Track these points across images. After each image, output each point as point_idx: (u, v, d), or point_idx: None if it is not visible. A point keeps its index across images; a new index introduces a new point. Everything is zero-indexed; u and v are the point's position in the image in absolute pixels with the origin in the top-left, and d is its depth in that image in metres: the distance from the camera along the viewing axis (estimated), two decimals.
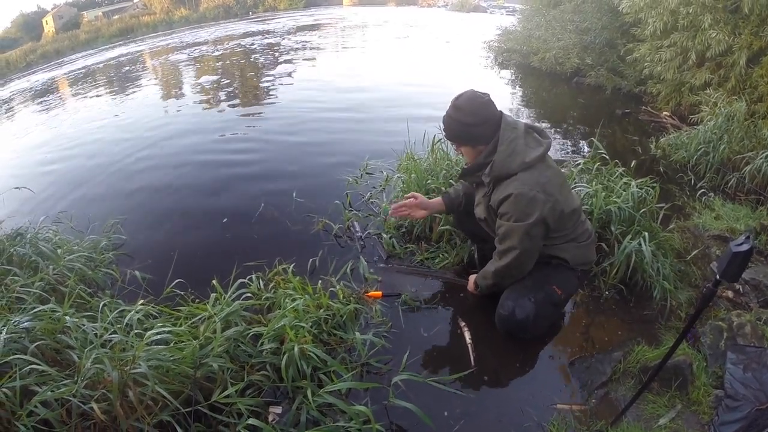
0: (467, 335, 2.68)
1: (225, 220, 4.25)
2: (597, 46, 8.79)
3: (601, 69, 8.49)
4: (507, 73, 10.76)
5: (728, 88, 5.56)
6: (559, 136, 6.36)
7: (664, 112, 6.71)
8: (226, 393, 2.02)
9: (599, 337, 2.72)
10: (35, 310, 2.33)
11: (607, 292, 3.00)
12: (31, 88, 16.08)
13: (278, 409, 2.20)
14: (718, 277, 1.52)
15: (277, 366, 2.23)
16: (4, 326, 2.14)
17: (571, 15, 9.66)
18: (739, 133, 4.74)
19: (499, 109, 2.44)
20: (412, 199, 2.93)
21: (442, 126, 2.52)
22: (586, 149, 5.65)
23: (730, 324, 2.56)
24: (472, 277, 2.85)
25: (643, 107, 7.18)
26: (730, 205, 4.02)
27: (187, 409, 1.97)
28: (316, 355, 2.23)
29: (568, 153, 5.72)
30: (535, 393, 2.40)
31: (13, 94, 15.43)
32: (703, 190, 4.34)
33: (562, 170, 3.76)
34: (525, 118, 7.39)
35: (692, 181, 4.65)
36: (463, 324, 2.77)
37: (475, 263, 3.25)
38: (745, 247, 1.45)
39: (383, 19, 25.64)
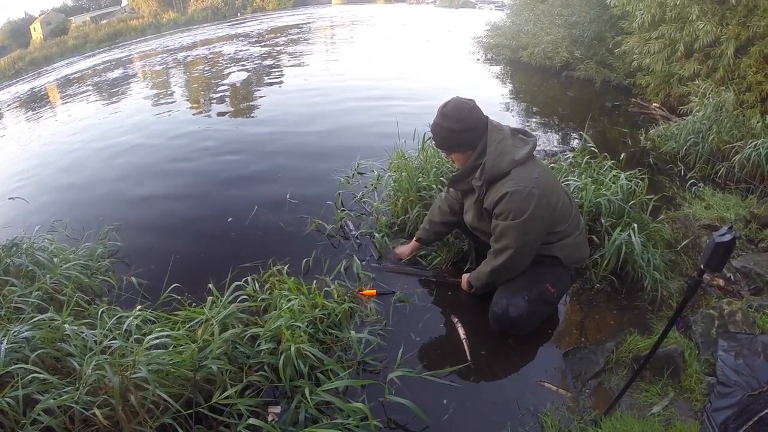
0: (461, 331, 2.71)
1: (230, 219, 4.28)
2: (586, 39, 8.81)
3: (590, 62, 8.51)
4: (497, 69, 10.76)
5: (717, 78, 5.57)
6: (549, 130, 6.40)
7: (654, 104, 6.74)
8: (225, 394, 2.05)
9: (592, 328, 2.76)
10: (34, 320, 2.35)
11: (598, 284, 3.03)
12: (19, 97, 15.99)
13: (277, 409, 2.23)
14: (702, 266, 1.56)
15: (275, 366, 2.25)
16: (4, 336, 2.16)
17: (560, 9, 9.66)
18: (728, 123, 4.77)
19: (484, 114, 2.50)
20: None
21: (431, 134, 2.59)
22: (576, 142, 5.68)
23: (721, 312, 2.60)
24: (465, 276, 2.91)
25: (633, 99, 7.20)
26: (720, 194, 4.05)
27: (187, 411, 2.00)
28: (312, 354, 2.26)
29: (558, 146, 5.74)
30: (529, 384, 2.44)
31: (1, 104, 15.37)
32: (693, 180, 4.36)
33: (552, 165, 3.83)
34: (515, 113, 7.43)
35: (682, 172, 4.68)
36: (456, 320, 2.81)
37: (466, 259, 3.30)
38: (727, 238, 1.49)
39: (372, 17, 25.61)
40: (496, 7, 22.70)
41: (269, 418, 2.17)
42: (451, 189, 2.94)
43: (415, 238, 3.26)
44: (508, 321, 2.50)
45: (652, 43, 6.49)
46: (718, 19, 5.59)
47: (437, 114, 2.51)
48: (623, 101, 7.31)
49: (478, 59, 11.77)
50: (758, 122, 4.58)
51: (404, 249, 3.37)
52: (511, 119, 6.88)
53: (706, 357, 2.43)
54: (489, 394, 2.40)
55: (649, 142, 5.46)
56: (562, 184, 2.91)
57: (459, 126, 2.42)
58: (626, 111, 6.94)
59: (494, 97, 8.16)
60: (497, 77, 10.17)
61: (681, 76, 6.17)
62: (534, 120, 6.96)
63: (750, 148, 4.24)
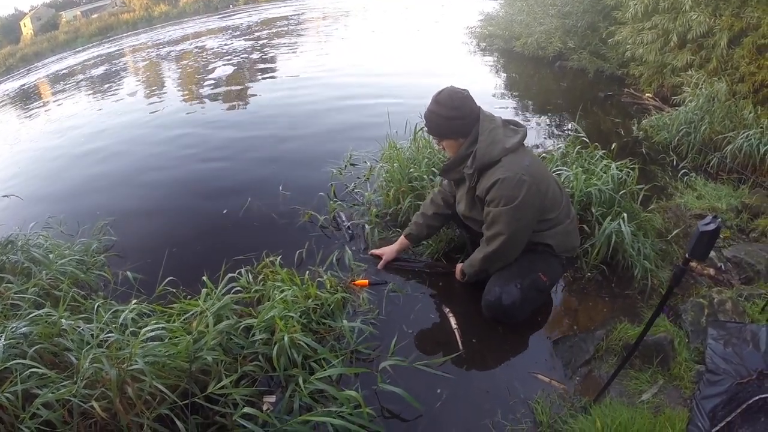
0: (452, 321, 2.74)
1: (225, 211, 4.30)
2: (579, 29, 8.77)
3: (584, 52, 8.47)
4: (490, 59, 10.72)
5: (709, 69, 5.58)
6: (542, 120, 6.39)
7: (647, 94, 6.73)
8: (221, 384, 2.07)
9: (582, 317, 2.79)
10: (31, 316, 2.37)
11: (589, 273, 3.05)
12: (7, 95, 15.98)
13: (272, 398, 2.25)
14: (687, 255, 1.59)
15: (269, 356, 2.28)
16: (2, 333, 2.18)
17: None
18: (721, 113, 4.77)
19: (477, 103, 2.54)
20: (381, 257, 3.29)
21: (425, 122, 2.63)
22: (568, 132, 5.68)
23: (711, 301, 2.63)
24: (459, 266, 2.94)
25: (626, 89, 7.19)
26: (712, 184, 4.09)
27: (184, 402, 2.02)
28: (306, 344, 2.29)
29: (551, 136, 5.76)
30: (520, 372, 2.47)
31: None
32: (685, 170, 4.38)
33: (544, 155, 3.86)
34: (508, 103, 7.41)
35: (674, 162, 4.69)
36: (447, 310, 2.84)
37: (458, 249, 3.33)
38: (711, 227, 1.51)
39: (365, 7, 25.38)
40: None
41: (264, 407, 2.19)
42: (444, 182, 2.98)
43: (403, 234, 3.21)
44: (500, 308, 2.53)
45: (646, 34, 6.48)
46: (711, 10, 5.58)
47: (431, 101, 2.56)
48: (616, 91, 7.30)
49: (470, 49, 11.72)
50: (750, 113, 4.59)
51: (389, 249, 3.30)
52: (503, 109, 6.88)
53: (696, 345, 2.46)
54: (481, 383, 2.43)
55: (641, 132, 5.48)
56: (553, 174, 2.95)
57: (452, 113, 2.47)
58: (619, 101, 6.94)
59: (487, 88, 8.15)
60: (490, 67, 10.14)
61: (674, 67, 6.17)
62: (527, 110, 6.97)
63: (742, 138, 4.26)
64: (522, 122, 2.63)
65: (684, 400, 2.22)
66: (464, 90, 2.53)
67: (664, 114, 5.54)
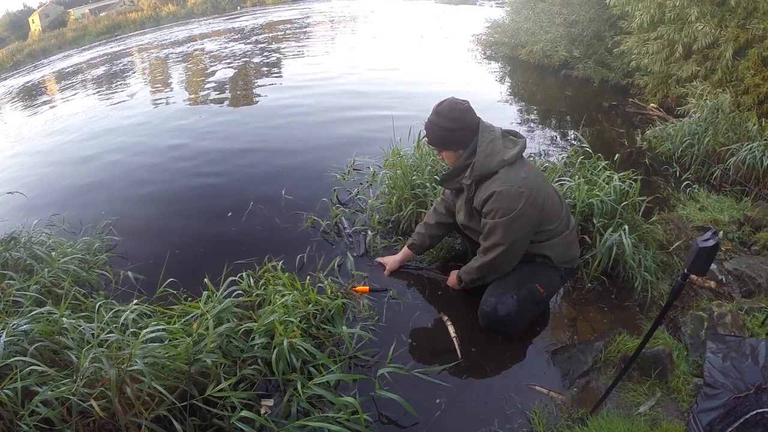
0: (451, 329, 2.75)
1: (230, 214, 4.32)
2: (585, 38, 8.78)
3: (589, 61, 8.49)
4: (495, 66, 10.75)
5: (714, 80, 5.59)
6: (545, 129, 6.38)
7: (651, 104, 6.72)
8: (219, 387, 2.08)
9: (581, 328, 2.79)
10: (32, 313, 2.37)
11: (589, 284, 3.05)
12: (13, 90, 16.09)
13: (270, 402, 2.26)
14: (686, 271, 1.60)
15: (268, 360, 2.29)
16: (3, 330, 2.19)
17: (559, 8, 9.63)
18: (725, 125, 4.78)
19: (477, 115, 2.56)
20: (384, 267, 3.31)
21: (425, 132, 2.65)
22: (572, 142, 5.69)
23: (710, 314, 2.63)
24: (454, 273, 2.96)
25: (631, 99, 7.18)
26: (715, 196, 4.07)
27: (182, 404, 2.02)
28: (305, 348, 2.29)
29: (554, 146, 5.74)
30: (518, 382, 2.48)
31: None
32: (687, 182, 4.37)
33: (546, 164, 3.86)
34: (512, 111, 7.42)
35: (677, 173, 4.68)
36: (446, 318, 2.84)
37: (459, 258, 3.34)
38: (711, 243, 1.52)
39: (372, 12, 25.44)
40: (497, 4, 22.61)
41: (262, 411, 2.20)
42: (447, 191, 2.99)
43: (407, 245, 3.23)
44: (496, 319, 2.54)
45: (651, 44, 6.49)
46: (717, 21, 5.60)
47: (432, 112, 2.57)
48: (621, 101, 7.30)
49: (475, 56, 11.74)
50: (754, 125, 4.59)
51: (392, 259, 3.33)
52: (507, 118, 6.86)
53: (695, 358, 2.46)
54: (479, 392, 2.44)
55: (645, 143, 5.47)
56: (554, 184, 2.97)
57: (452, 125, 2.49)
58: (624, 111, 6.94)
59: (491, 96, 8.18)
60: (495, 75, 10.17)
61: (679, 77, 6.18)
62: (531, 119, 6.96)
63: (745, 150, 4.26)
64: (525, 131, 2.64)
65: (681, 413, 2.23)
66: (465, 101, 2.55)
67: (668, 125, 5.54)
